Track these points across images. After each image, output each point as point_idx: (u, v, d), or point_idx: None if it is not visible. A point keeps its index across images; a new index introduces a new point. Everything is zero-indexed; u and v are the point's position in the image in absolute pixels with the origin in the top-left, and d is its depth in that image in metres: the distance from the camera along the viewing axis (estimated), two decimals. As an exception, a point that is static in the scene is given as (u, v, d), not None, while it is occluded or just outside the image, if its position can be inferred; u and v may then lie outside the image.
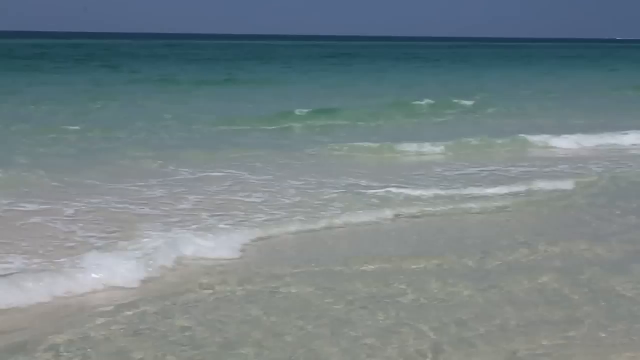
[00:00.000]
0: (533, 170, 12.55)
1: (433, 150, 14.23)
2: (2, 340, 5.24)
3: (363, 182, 10.96)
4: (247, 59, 58.16)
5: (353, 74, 41.41)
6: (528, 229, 8.62)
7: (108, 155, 12.80)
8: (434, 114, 21.22)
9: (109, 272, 6.44)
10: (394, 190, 10.24)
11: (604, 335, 5.40)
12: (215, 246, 7.39)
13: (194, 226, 8.15)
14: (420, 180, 11.32)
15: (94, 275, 6.39)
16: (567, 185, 11.04)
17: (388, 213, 9.08)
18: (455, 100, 23.70)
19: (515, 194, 10.40)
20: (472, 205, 9.68)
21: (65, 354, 4.98)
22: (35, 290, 6.02)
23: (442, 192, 10.31)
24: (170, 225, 8.15)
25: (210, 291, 6.20)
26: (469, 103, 23.47)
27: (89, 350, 5.04)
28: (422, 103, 22.61)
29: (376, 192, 10.13)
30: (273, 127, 17.55)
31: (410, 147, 14.25)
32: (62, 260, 6.81)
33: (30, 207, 8.86)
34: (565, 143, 15.58)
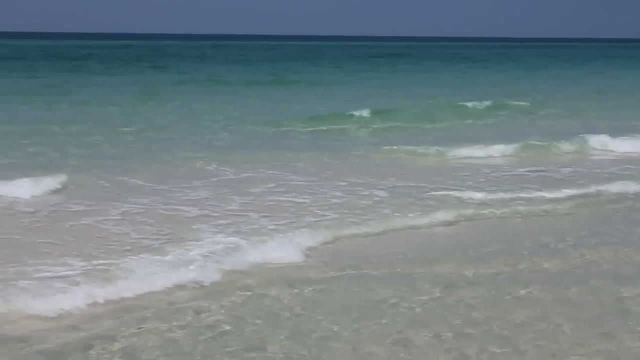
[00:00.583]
0: (596, 172, 12.39)
1: (493, 152, 13.97)
2: (62, 339, 5.21)
3: (423, 184, 10.83)
4: (293, 59, 58.17)
5: (402, 74, 41.28)
6: (593, 231, 8.48)
7: (160, 155, 12.77)
8: (490, 115, 20.88)
9: (177, 274, 6.43)
10: (455, 193, 10.15)
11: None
12: (278, 248, 7.28)
13: (247, 228, 8.01)
14: (485, 183, 11.20)
15: (159, 277, 6.35)
16: (632, 187, 10.82)
17: (447, 215, 9.02)
18: (511, 102, 23.32)
19: (582, 196, 10.29)
20: (546, 207, 9.63)
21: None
22: (89, 292, 5.91)
23: (506, 196, 10.16)
24: (222, 228, 8.01)
25: (285, 293, 6.16)
26: (524, 104, 23.08)
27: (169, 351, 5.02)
28: (479, 104, 22.13)
29: (434, 195, 10.06)
30: (325, 128, 17.38)
31: (470, 150, 13.98)
32: (123, 260, 6.71)
33: (78, 207, 8.87)
34: (625, 145, 15.17)
